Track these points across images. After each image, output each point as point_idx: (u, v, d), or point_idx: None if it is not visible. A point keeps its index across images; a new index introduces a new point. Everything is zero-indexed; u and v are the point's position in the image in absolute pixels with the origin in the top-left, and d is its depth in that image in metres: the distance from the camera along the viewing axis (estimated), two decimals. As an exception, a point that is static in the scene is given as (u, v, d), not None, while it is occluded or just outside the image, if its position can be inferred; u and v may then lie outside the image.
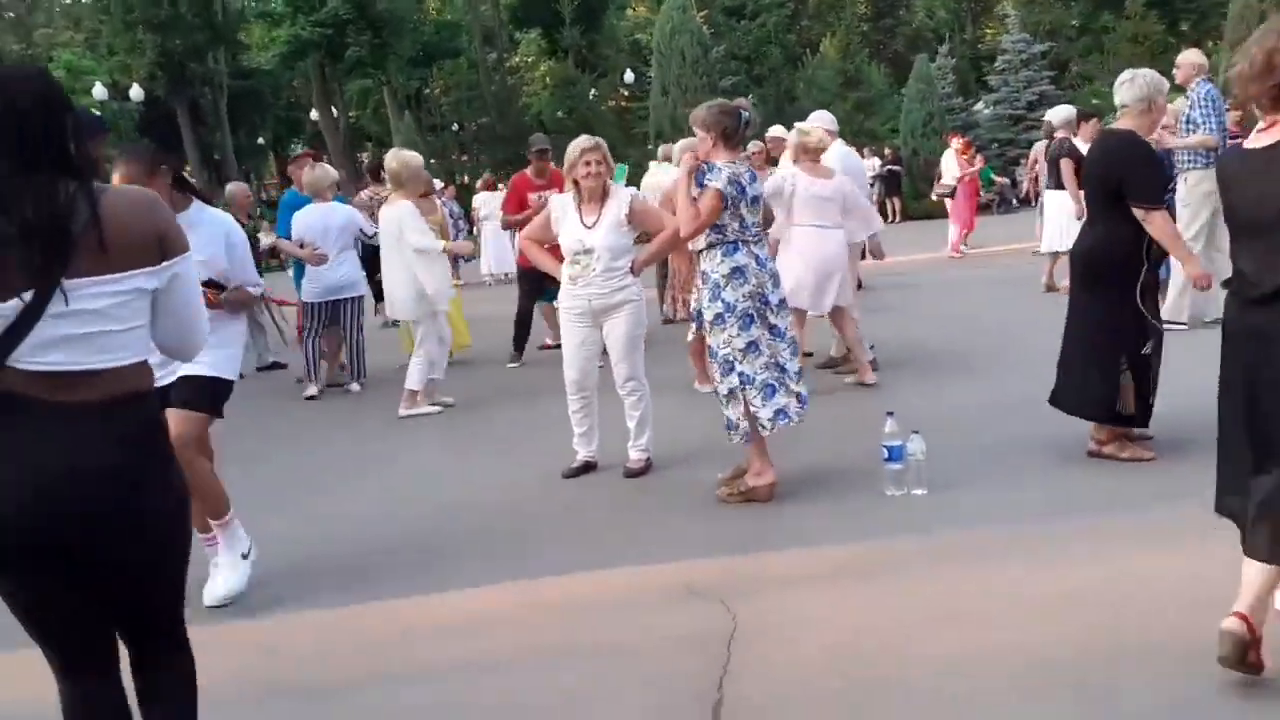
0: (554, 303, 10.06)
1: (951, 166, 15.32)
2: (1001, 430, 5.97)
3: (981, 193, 18.54)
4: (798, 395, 5.18)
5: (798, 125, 7.85)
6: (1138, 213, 5.04)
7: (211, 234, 4.34)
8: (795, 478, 5.39)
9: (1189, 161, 8.53)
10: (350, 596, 4.35)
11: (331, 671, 3.74)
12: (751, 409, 5.10)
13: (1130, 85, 5.27)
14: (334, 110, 36.89)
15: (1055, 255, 11.43)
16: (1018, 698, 3.12)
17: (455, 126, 39.66)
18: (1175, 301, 8.42)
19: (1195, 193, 8.41)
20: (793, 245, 7.30)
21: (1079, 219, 11.00)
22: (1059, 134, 11.57)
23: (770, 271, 5.20)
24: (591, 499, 5.50)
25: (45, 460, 2.15)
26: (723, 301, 5.08)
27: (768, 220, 6.82)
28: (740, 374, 5.09)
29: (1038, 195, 14.94)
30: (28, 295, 2.11)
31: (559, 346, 8.46)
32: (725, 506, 5.15)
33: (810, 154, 7.42)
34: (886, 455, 5.05)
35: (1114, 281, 5.20)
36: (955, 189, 15.02)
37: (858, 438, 5.95)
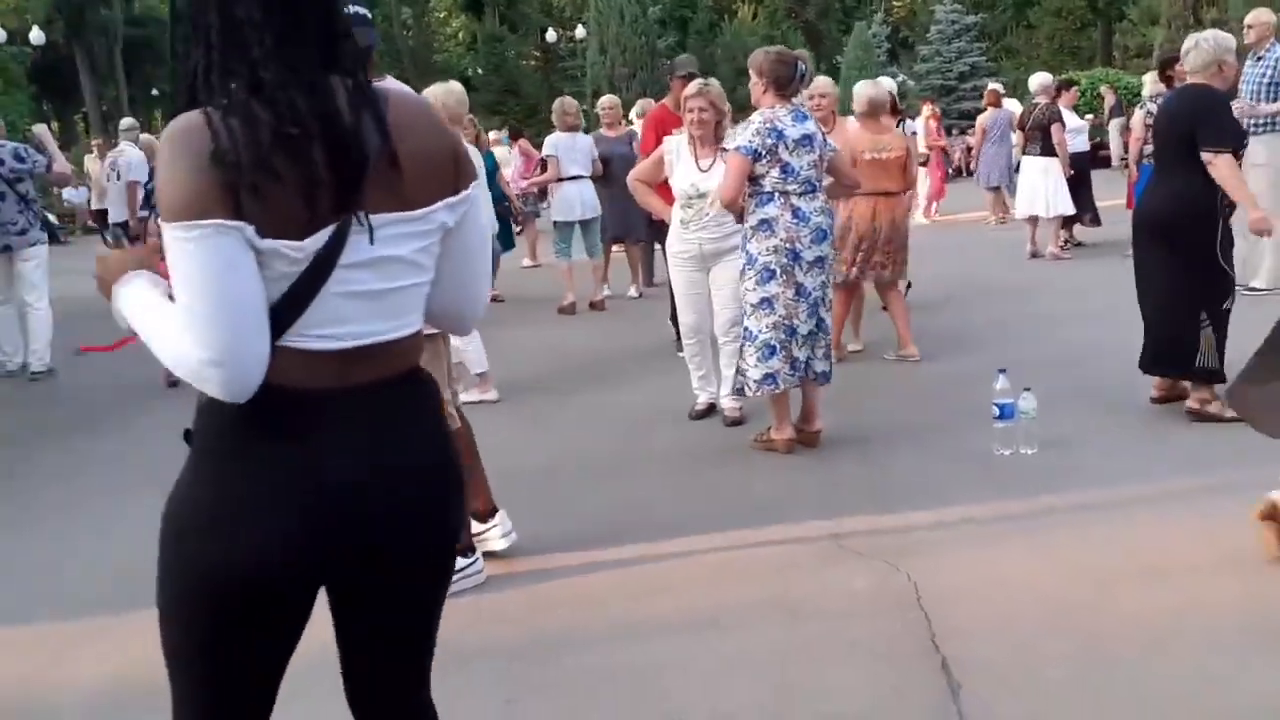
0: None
1: (923, 134, 15.43)
2: (1069, 385, 5.94)
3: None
4: (798, 361, 5.08)
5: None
6: (1205, 157, 5.06)
7: None
8: (880, 432, 5.38)
9: (1265, 126, 8.32)
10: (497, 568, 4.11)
11: (520, 636, 3.53)
12: (742, 365, 5.12)
13: (1196, 52, 5.28)
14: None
15: (1035, 221, 11.54)
16: (1257, 648, 3.08)
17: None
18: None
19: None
20: None
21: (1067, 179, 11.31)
22: (1039, 100, 11.67)
23: (813, 227, 5.04)
24: (691, 456, 5.34)
25: (349, 465, 1.60)
26: (746, 253, 5.09)
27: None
28: (747, 328, 5.11)
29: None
30: (320, 237, 1.53)
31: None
32: (831, 458, 5.09)
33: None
34: (997, 413, 4.98)
35: (1191, 237, 5.18)
36: (929, 156, 15.11)
37: (928, 394, 6.01)
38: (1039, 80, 11.94)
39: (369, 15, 3.61)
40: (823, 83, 7.13)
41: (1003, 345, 7.07)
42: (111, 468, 5.70)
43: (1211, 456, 4.79)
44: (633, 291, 10.48)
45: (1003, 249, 11.87)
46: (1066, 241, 11.69)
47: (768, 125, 4.98)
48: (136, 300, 1.64)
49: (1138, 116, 10.93)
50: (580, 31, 32.92)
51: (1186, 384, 5.38)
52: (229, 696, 1.72)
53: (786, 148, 4.98)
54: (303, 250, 1.52)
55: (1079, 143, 12.15)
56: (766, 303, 5.04)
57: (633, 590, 3.80)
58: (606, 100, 10.77)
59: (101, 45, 39.26)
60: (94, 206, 15.02)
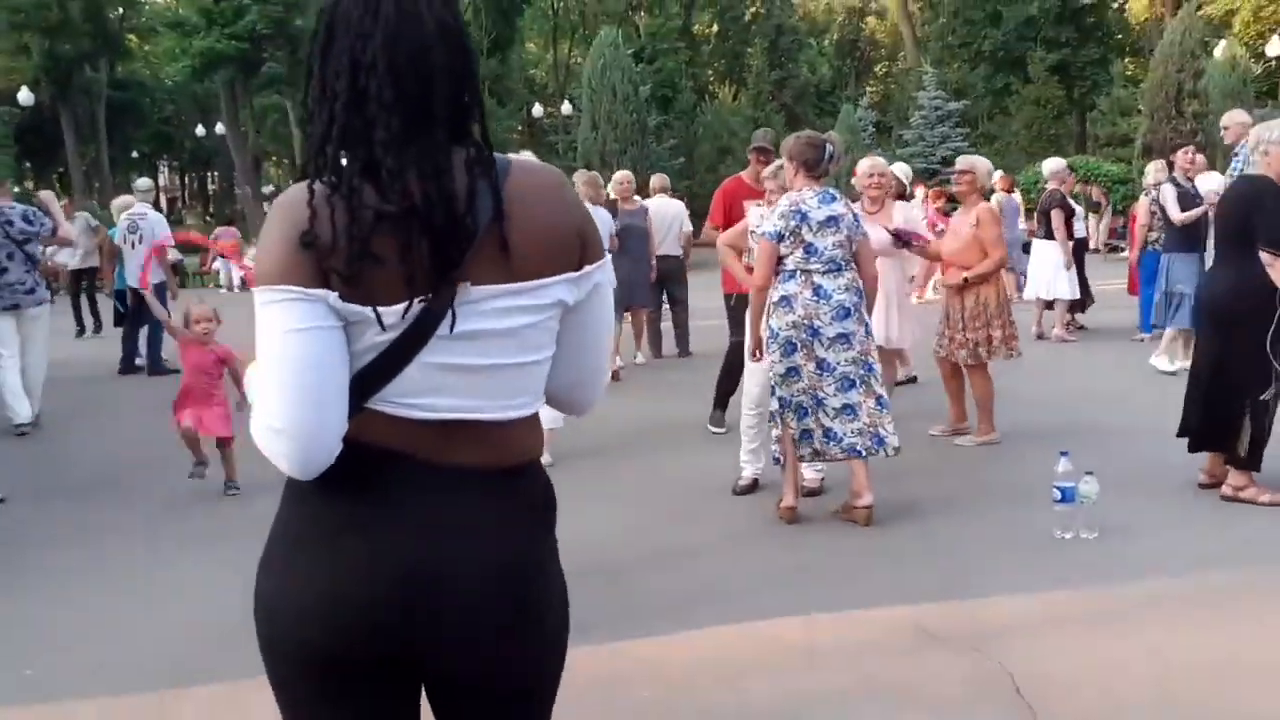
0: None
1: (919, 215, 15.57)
2: (1108, 467, 5.89)
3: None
4: (833, 431, 5.17)
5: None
6: (1264, 256, 5.12)
7: None
8: (934, 510, 5.34)
9: None
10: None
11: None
12: (789, 427, 5.24)
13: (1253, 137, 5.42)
14: (241, 127, 35.37)
15: (1043, 303, 11.65)
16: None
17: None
18: None
19: None
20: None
21: (1067, 269, 11.45)
22: (1049, 185, 11.85)
23: (834, 304, 5.14)
24: (749, 533, 5.26)
25: (412, 543, 1.51)
26: (769, 327, 5.24)
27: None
28: (779, 398, 5.25)
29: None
30: (410, 307, 1.47)
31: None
32: (892, 537, 5.04)
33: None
34: (1059, 496, 4.93)
35: (1245, 324, 5.23)
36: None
37: (970, 472, 6.00)
38: (1050, 166, 12.11)
39: None
40: (879, 163, 7.16)
41: (1036, 426, 7.06)
42: (146, 528, 5.54)
43: (1272, 542, 4.78)
44: (639, 358, 10.49)
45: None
46: (1070, 324, 11.78)
47: (792, 209, 5.16)
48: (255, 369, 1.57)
49: (1143, 204, 11.12)
50: (567, 107, 33.29)
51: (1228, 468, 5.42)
52: None
53: (810, 229, 5.13)
54: (394, 318, 1.46)
55: (1079, 228, 12.31)
56: (794, 371, 5.21)
57: (719, 674, 3.68)
58: (621, 175, 10.89)
59: (85, 107, 39.27)
60: (72, 267, 14.66)
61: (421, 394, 1.50)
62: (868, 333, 5.26)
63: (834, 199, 5.24)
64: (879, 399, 5.23)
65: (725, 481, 5.92)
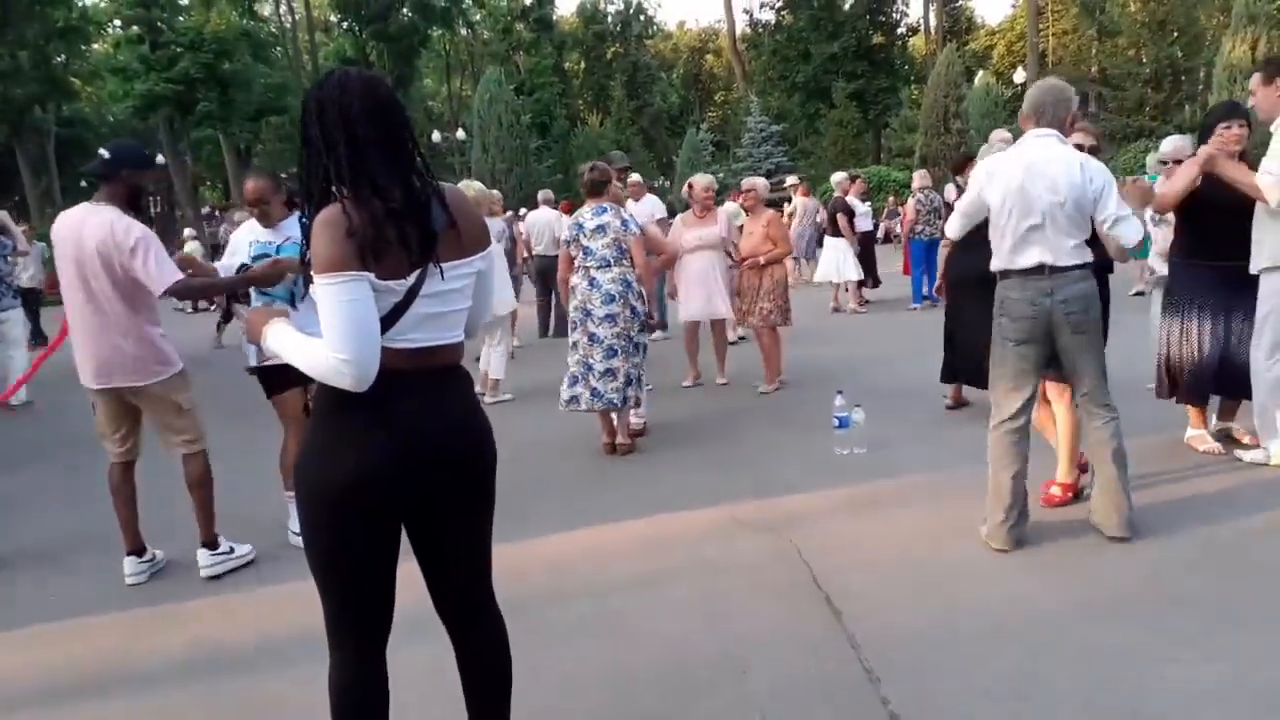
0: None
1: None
2: (881, 401, 6.56)
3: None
4: (598, 391, 5.67)
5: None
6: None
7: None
8: (747, 440, 5.87)
9: None
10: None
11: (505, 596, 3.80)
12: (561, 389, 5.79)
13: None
14: (180, 156, 34.15)
15: (835, 285, 12.41)
16: (1022, 570, 3.69)
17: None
18: None
19: None
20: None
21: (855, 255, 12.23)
22: (837, 193, 12.60)
23: (604, 292, 5.66)
24: (613, 462, 5.71)
25: (416, 421, 2.01)
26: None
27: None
28: (568, 365, 5.79)
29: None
30: (411, 278, 1.96)
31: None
32: (717, 460, 5.52)
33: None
34: (837, 424, 5.55)
35: (990, 288, 5.98)
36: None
37: (776, 411, 6.50)
38: (836, 177, 12.91)
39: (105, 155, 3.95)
40: (711, 180, 7.79)
41: (828, 375, 7.70)
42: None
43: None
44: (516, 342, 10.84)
45: (810, 307, 12.67)
46: (859, 299, 12.57)
47: (574, 221, 5.81)
48: (283, 334, 2.05)
49: (910, 204, 11.94)
50: (461, 134, 33.15)
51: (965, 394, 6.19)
52: (352, 587, 2.08)
53: (585, 236, 5.71)
54: (402, 286, 1.96)
55: (866, 223, 13.12)
56: (574, 345, 5.76)
57: (587, 557, 4.16)
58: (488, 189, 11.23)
59: (36, 143, 37.34)
60: (22, 285, 14.12)
61: (411, 332, 2.00)
62: (634, 314, 5.69)
63: (605, 211, 5.74)
64: (634, 365, 5.73)
65: (588, 431, 6.31)
